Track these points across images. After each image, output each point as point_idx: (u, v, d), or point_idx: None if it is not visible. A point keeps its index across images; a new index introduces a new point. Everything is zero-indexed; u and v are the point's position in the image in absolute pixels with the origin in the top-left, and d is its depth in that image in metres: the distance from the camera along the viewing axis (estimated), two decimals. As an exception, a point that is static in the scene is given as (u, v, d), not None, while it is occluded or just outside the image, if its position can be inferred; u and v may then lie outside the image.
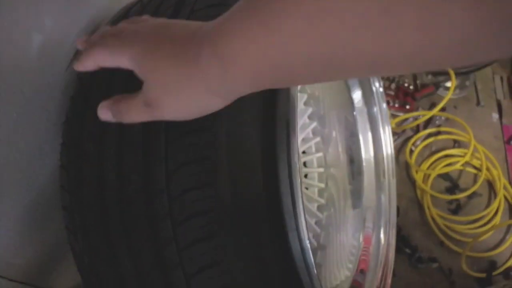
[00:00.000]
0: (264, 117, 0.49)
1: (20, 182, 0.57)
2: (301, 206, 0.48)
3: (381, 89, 0.92)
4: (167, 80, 0.39)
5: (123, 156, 0.49)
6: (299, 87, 0.79)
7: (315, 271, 0.50)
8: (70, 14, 0.58)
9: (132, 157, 0.48)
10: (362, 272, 0.92)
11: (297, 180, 0.48)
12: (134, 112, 0.42)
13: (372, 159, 0.96)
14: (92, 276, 0.56)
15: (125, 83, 0.49)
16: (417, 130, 1.29)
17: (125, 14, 0.58)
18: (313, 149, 0.89)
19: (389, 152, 0.96)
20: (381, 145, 0.95)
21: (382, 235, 0.93)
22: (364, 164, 0.96)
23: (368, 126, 0.95)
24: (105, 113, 0.44)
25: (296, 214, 0.48)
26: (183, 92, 0.38)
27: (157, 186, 0.46)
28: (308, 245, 0.49)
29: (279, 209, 0.48)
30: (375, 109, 0.94)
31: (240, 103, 0.46)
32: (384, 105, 0.94)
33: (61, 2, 0.56)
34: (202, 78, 0.36)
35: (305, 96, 0.82)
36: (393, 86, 1.32)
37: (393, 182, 0.94)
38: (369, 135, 0.96)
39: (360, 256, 0.92)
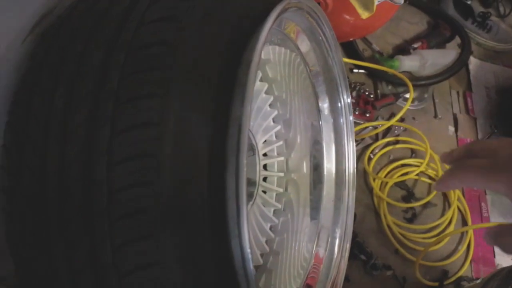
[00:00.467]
0: (217, 117, 0.47)
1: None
2: (244, 213, 0.47)
3: (349, 101, 0.92)
4: None
5: (66, 144, 0.46)
6: (264, 87, 0.78)
7: (254, 282, 0.49)
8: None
9: (75, 146, 0.45)
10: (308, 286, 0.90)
11: (243, 186, 0.47)
12: None
13: (333, 170, 0.96)
14: (24, 262, 0.52)
15: (76, 64, 0.47)
16: (376, 138, 1.31)
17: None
18: (275, 153, 0.88)
19: (351, 165, 0.95)
20: (344, 157, 0.95)
21: (336, 248, 0.93)
22: (325, 173, 0.95)
23: (332, 136, 0.95)
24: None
25: (240, 221, 0.47)
26: None
27: (97, 178, 0.43)
28: (249, 255, 0.48)
29: (223, 214, 0.47)
30: (341, 120, 0.94)
31: (192, 100, 0.45)
32: (351, 118, 0.93)
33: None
34: None
35: (271, 98, 0.81)
36: (354, 94, 1.33)
37: (353, 195, 0.94)
38: (333, 146, 0.95)
39: (309, 272, 0.90)
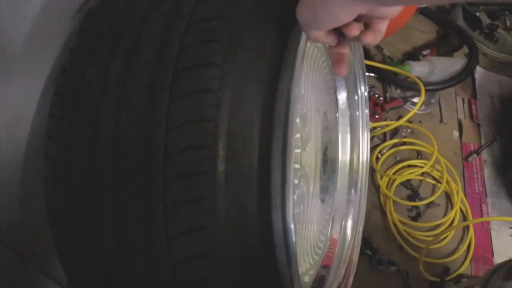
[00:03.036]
0: (268, 90, 0.50)
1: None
2: (290, 183, 0.49)
3: (366, 94, 0.95)
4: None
5: (122, 111, 0.48)
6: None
7: (295, 250, 0.51)
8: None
9: (131, 112, 0.48)
10: (325, 267, 0.94)
11: (291, 158, 0.49)
12: None
13: (347, 161, 0.99)
14: (66, 232, 0.54)
15: (134, 35, 0.50)
16: (384, 139, 1.34)
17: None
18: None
19: (365, 155, 0.98)
20: (359, 148, 0.98)
21: (348, 236, 0.96)
22: (339, 165, 0.98)
23: (348, 129, 0.98)
24: None
25: (284, 191, 0.49)
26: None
27: (155, 142, 0.46)
28: (291, 225, 0.50)
29: (268, 184, 0.49)
30: (358, 113, 0.97)
31: (247, 72, 0.47)
32: (367, 111, 0.97)
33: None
34: None
35: (304, 66, 0.84)
36: (365, 94, 1.37)
37: (366, 181, 0.97)
38: (348, 137, 0.99)
39: (325, 253, 0.94)
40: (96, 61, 0.52)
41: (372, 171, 1.27)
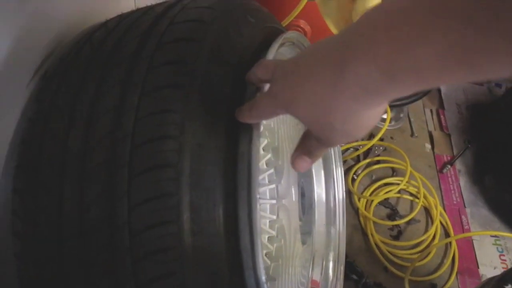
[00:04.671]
0: (227, 155, 0.49)
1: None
2: (259, 244, 0.48)
3: None
4: (317, 113, 0.40)
5: (84, 186, 0.47)
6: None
7: None
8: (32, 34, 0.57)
9: (93, 188, 0.46)
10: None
11: (256, 218, 0.48)
12: (317, 151, 0.48)
13: (323, 195, 0.98)
14: None
15: (89, 106, 0.49)
16: (358, 160, 1.35)
17: (88, 37, 0.57)
18: (267, 181, 0.90)
19: (341, 190, 0.97)
20: (333, 183, 0.97)
21: (330, 277, 0.95)
22: (315, 199, 0.97)
23: (321, 163, 0.97)
24: (301, 159, 0.49)
25: (254, 252, 0.48)
26: (338, 115, 0.39)
27: (119, 220, 0.44)
28: (265, 284, 0.49)
29: (237, 247, 0.49)
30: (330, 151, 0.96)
31: (204, 141, 0.47)
32: (338, 145, 0.96)
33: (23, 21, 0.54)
34: (351, 95, 0.37)
35: (261, 127, 0.83)
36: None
37: (343, 219, 0.96)
38: (322, 172, 0.98)
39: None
40: (54, 133, 0.51)
41: (349, 193, 1.27)
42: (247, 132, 0.49)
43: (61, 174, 0.48)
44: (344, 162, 1.32)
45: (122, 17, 0.61)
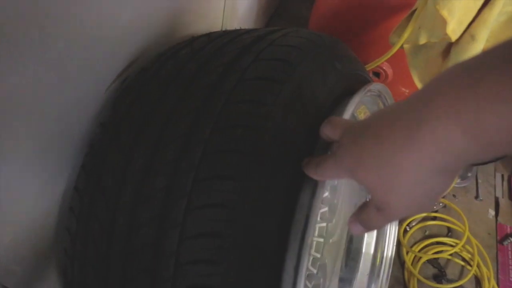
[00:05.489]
0: (286, 202, 0.48)
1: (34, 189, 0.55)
2: None
3: None
4: (381, 180, 0.38)
5: (139, 207, 0.47)
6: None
7: None
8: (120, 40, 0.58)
9: (148, 210, 0.46)
10: None
11: (302, 273, 0.47)
12: (373, 222, 0.43)
13: (372, 245, 0.95)
14: None
15: (160, 129, 0.49)
16: (414, 211, 1.29)
17: (173, 54, 0.58)
18: (319, 218, 0.88)
19: (390, 248, 0.94)
20: (385, 237, 0.93)
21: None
22: (364, 248, 0.94)
23: None
24: (355, 227, 0.45)
25: None
26: (405, 178, 0.37)
27: (167, 248, 0.44)
28: None
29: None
30: None
31: (265, 184, 0.45)
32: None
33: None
34: (425, 155, 0.34)
35: (325, 184, 0.82)
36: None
37: (388, 274, 0.92)
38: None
39: None
40: (121, 146, 0.52)
41: (398, 243, 1.22)
42: (310, 184, 0.47)
43: (120, 187, 0.49)
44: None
45: (209, 39, 0.61)
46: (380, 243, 0.92)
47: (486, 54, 0.31)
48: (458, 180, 1.38)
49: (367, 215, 0.43)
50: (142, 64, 0.63)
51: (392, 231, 0.92)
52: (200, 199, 0.43)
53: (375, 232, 0.92)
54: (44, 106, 0.49)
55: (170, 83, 0.53)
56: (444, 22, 0.68)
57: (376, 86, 0.61)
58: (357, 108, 0.68)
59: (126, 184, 0.48)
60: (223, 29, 0.95)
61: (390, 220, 0.42)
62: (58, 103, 0.51)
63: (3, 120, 0.43)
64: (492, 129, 0.30)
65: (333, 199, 0.90)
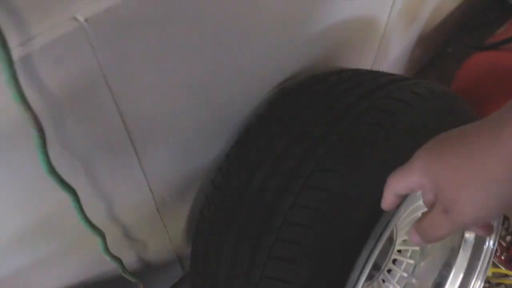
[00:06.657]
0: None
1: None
2: None
3: (491, 246, 0.94)
4: (458, 174, 0.38)
5: (268, 182, 0.63)
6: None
7: None
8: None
9: (274, 184, 0.62)
10: None
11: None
12: (437, 227, 0.42)
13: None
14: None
15: (304, 121, 0.65)
16: (512, 289, 1.26)
17: (324, 79, 0.73)
18: (408, 254, 0.95)
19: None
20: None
21: None
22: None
23: (465, 266, 0.97)
24: (414, 236, 0.45)
25: None
26: (484, 174, 0.36)
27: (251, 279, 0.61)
28: None
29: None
30: (478, 262, 0.96)
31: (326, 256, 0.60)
32: (487, 263, 0.95)
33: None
34: (508, 155, 0.34)
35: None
36: (508, 238, 1.31)
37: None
38: (461, 275, 0.98)
39: None
40: (247, 163, 0.68)
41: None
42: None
43: (261, 160, 0.65)
44: (497, 285, 1.25)
45: (355, 73, 0.75)
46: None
47: None
48: None
49: (430, 219, 0.43)
50: (299, 79, 0.79)
51: (477, 285, 0.95)
52: (270, 273, 0.60)
53: (460, 279, 0.96)
54: (220, 93, 0.66)
55: (317, 99, 0.68)
56: None
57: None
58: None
59: (267, 159, 0.65)
60: (371, 68, 1.07)
61: (455, 224, 0.40)
62: (231, 91, 0.68)
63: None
64: None
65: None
